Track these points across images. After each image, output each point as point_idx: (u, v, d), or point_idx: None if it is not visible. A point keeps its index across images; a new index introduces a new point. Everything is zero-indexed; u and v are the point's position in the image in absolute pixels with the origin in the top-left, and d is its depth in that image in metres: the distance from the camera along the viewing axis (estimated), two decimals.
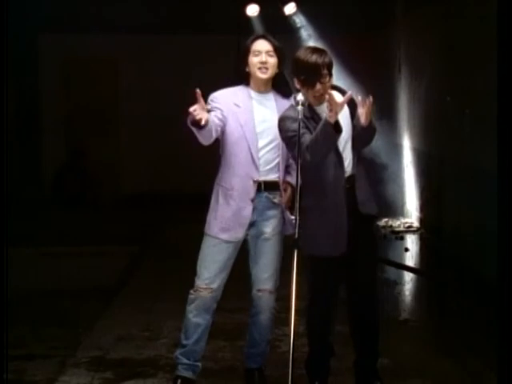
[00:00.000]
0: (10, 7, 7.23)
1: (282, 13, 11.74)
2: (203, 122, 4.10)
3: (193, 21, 12.15)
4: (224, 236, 4.42)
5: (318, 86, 4.09)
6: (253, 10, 11.78)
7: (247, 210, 4.39)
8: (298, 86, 4.18)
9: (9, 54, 11.62)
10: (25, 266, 8.01)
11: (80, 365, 5.08)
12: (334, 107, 3.90)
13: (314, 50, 4.20)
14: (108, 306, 6.55)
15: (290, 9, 11.75)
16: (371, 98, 4.06)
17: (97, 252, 8.79)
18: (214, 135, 4.31)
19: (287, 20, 11.86)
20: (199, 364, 4.56)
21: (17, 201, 10.98)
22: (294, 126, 4.07)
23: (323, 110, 4.16)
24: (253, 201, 4.38)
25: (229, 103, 4.37)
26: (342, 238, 4.16)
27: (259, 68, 4.34)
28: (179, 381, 4.52)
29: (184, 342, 4.51)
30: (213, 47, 12.70)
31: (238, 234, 4.42)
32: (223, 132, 4.39)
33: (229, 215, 4.41)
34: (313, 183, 4.16)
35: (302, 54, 4.14)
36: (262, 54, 4.34)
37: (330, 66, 4.13)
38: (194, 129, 4.18)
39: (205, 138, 4.26)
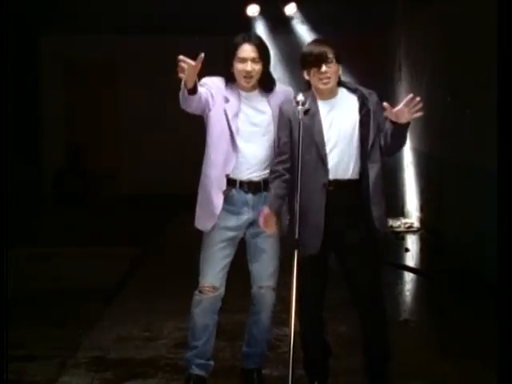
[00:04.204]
0: (11, 9, 7.23)
1: (283, 13, 11.75)
2: (191, 84, 4.05)
3: (193, 21, 12.15)
4: (197, 225, 4.44)
5: (324, 68, 4.13)
6: (253, 10, 11.80)
7: (218, 202, 4.35)
8: (307, 77, 4.22)
9: (9, 55, 11.67)
10: (25, 266, 8.02)
11: (80, 365, 5.08)
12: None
13: (320, 40, 4.38)
14: (108, 307, 6.55)
15: (290, 9, 11.76)
16: (416, 99, 4.03)
17: (97, 252, 8.80)
18: (199, 105, 4.26)
19: (287, 20, 11.87)
20: (212, 363, 4.55)
21: (17, 201, 10.97)
22: (285, 129, 4.23)
23: (326, 107, 4.19)
24: (224, 193, 4.35)
25: (221, 93, 4.35)
26: (319, 236, 4.16)
27: (244, 77, 4.32)
28: (193, 379, 4.50)
29: (194, 343, 4.48)
30: (213, 48, 12.69)
31: (207, 224, 4.38)
32: (209, 119, 4.36)
33: (201, 205, 4.43)
34: (295, 183, 4.16)
35: (305, 46, 4.29)
36: (247, 62, 4.30)
37: (335, 53, 4.19)
38: (184, 93, 4.12)
39: (191, 104, 4.21)
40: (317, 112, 4.18)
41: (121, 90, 13.51)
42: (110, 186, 13.15)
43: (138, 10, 11.87)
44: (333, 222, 4.16)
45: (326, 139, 4.17)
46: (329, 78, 4.17)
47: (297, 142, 4.11)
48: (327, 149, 4.17)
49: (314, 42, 4.33)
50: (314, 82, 4.20)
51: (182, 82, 4.11)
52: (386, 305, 4.38)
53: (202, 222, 4.44)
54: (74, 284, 7.34)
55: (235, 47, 4.34)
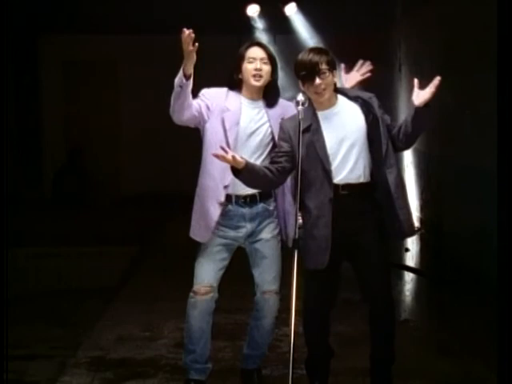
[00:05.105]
0: (10, 8, 7.24)
1: (283, 13, 11.75)
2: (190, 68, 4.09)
3: (193, 21, 12.15)
4: (193, 235, 4.43)
5: (318, 81, 4.09)
6: (253, 10, 11.79)
7: (214, 213, 4.34)
8: (302, 88, 4.19)
9: (9, 55, 11.66)
10: (25, 266, 8.03)
11: (80, 365, 5.08)
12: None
13: (313, 49, 4.24)
14: (108, 306, 6.55)
15: (290, 9, 11.76)
16: (438, 80, 4.15)
17: (97, 252, 8.81)
18: (191, 114, 4.27)
19: (288, 20, 11.87)
20: (209, 365, 4.54)
21: (17, 201, 10.99)
22: (283, 145, 4.16)
23: (328, 118, 4.17)
24: (221, 205, 4.34)
25: (219, 104, 4.35)
26: (327, 251, 4.11)
27: (253, 75, 4.32)
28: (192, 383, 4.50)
29: (191, 347, 4.46)
30: (213, 47, 12.70)
31: (204, 235, 4.38)
32: (205, 131, 4.37)
33: (197, 216, 4.42)
34: (303, 196, 4.14)
35: (300, 55, 4.18)
36: (256, 61, 4.31)
37: (329, 63, 4.13)
38: (182, 80, 4.13)
39: (181, 103, 4.20)
40: (318, 126, 4.14)
41: (121, 90, 13.50)
42: (109, 185, 13.15)
43: (138, 10, 11.87)
44: (346, 226, 4.14)
45: (332, 152, 4.13)
46: (324, 89, 4.12)
47: (301, 158, 4.08)
48: (335, 162, 4.13)
49: (307, 52, 4.19)
50: (309, 94, 4.14)
51: (180, 71, 4.12)
52: (394, 306, 4.35)
53: (197, 233, 4.43)
54: (74, 284, 7.36)
55: (244, 49, 4.36)
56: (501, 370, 3.40)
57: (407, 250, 9.06)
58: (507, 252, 3.47)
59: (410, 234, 4.32)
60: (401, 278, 7.71)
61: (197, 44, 4.08)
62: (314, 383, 4.42)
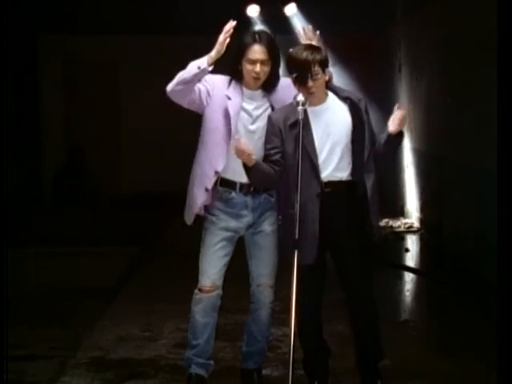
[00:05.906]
0: (10, 8, 7.24)
1: (283, 13, 11.74)
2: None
3: (193, 21, 12.16)
4: (184, 218, 4.50)
5: (310, 83, 4.08)
6: (253, 11, 11.79)
7: (200, 199, 4.38)
8: (293, 84, 4.19)
9: (9, 55, 11.66)
10: (25, 265, 8.02)
11: (80, 365, 5.08)
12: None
13: (307, 47, 4.21)
14: (108, 306, 6.55)
15: (290, 9, 11.75)
16: (400, 108, 4.19)
17: (97, 252, 8.80)
18: (191, 97, 4.30)
19: (288, 20, 11.87)
20: (211, 362, 4.54)
21: (17, 201, 10.98)
22: (274, 140, 4.17)
23: (316, 114, 4.17)
24: (207, 191, 4.36)
25: (220, 91, 4.35)
26: (316, 245, 4.13)
27: (252, 77, 4.31)
28: (193, 377, 4.48)
29: (194, 342, 4.47)
30: (213, 47, 12.71)
31: (188, 218, 4.48)
32: (204, 117, 4.38)
33: (188, 201, 4.49)
34: (290, 191, 4.15)
35: (293, 51, 4.17)
36: (256, 64, 4.28)
37: (322, 63, 4.12)
38: (199, 64, 4.20)
39: (188, 84, 4.24)
40: (307, 122, 4.14)
41: (120, 90, 13.51)
42: (109, 185, 13.15)
43: (138, 10, 11.87)
44: (330, 224, 4.17)
45: (319, 148, 4.15)
46: (314, 91, 4.13)
47: (288, 152, 4.12)
48: (321, 157, 4.16)
49: (301, 49, 4.16)
50: (300, 92, 4.12)
51: (206, 58, 4.21)
52: (376, 305, 4.36)
53: (186, 216, 4.51)
54: (74, 284, 7.35)
55: (245, 47, 4.31)
56: (501, 370, 3.40)
57: (407, 250, 9.07)
58: (507, 252, 3.47)
59: (378, 241, 4.31)
60: (401, 278, 7.72)
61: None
62: (313, 383, 4.43)
